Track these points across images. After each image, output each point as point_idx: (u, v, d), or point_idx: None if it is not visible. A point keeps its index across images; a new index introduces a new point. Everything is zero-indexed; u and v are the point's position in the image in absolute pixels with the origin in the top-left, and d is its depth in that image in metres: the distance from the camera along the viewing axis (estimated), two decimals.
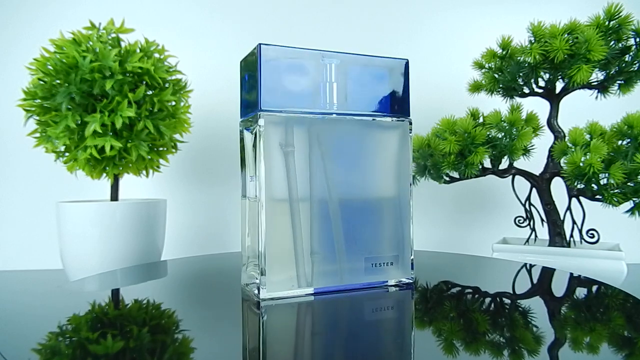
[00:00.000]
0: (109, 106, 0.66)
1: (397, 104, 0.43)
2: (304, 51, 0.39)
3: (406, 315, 0.37)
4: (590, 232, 0.71)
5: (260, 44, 0.38)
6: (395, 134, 0.42)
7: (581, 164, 0.64)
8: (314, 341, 0.31)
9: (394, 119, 0.42)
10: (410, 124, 0.43)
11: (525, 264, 0.55)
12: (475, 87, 0.80)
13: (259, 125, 0.37)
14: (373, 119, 0.42)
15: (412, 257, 0.43)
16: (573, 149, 0.67)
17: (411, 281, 0.43)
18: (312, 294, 0.39)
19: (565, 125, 0.74)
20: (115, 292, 0.44)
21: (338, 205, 0.40)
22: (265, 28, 1.05)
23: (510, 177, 0.77)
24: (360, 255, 0.41)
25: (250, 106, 0.40)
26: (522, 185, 0.77)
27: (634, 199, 0.63)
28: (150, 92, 0.71)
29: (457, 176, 0.77)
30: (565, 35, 0.67)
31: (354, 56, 0.41)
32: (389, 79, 0.43)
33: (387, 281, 0.42)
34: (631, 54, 0.68)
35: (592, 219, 0.73)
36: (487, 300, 0.39)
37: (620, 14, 0.66)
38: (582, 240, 0.72)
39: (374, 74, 0.42)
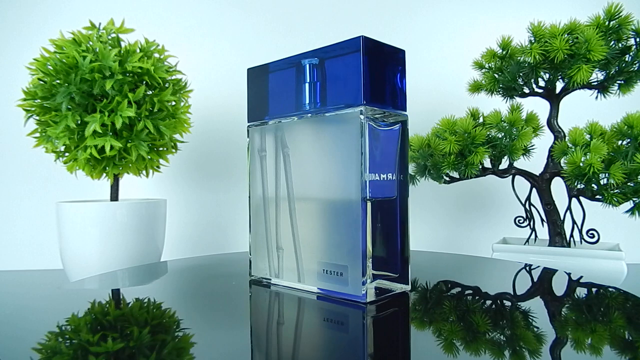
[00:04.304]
0: (109, 106, 0.66)
1: (346, 93, 0.37)
2: (279, 62, 0.42)
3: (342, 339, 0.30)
4: (590, 232, 0.71)
5: (248, 68, 0.45)
6: (343, 127, 0.37)
7: (581, 164, 0.64)
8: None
9: (343, 110, 0.37)
10: (362, 113, 0.35)
11: (525, 264, 0.55)
12: (475, 87, 0.80)
13: (247, 136, 0.45)
14: (324, 114, 0.38)
15: (366, 275, 0.35)
16: (573, 149, 0.67)
17: (361, 301, 0.35)
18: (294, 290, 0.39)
19: (565, 125, 0.74)
20: (116, 293, 0.44)
21: (295, 205, 0.41)
22: (264, 26, 1.05)
23: (510, 177, 0.77)
24: (314, 258, 0.39)
25: None
26: (522, 185, 0.78)
27: (634, 199, 0.63)
28: (150, 92, 0.71)
29: (457, 176, 0.77)
30: (565, 35, 0.67)
31: (313, 52, 0.39)
32: (338, 67, 0.37)
33: (339, 292, 0.37)
34: (631, 54, 0.68)
35: (592, 219, 0.73)
36: (488, 300, 0.39)
37: (620, 14, 0.66)
38: (582, 240, 0.72)
39: (329, 66, 0.38)
